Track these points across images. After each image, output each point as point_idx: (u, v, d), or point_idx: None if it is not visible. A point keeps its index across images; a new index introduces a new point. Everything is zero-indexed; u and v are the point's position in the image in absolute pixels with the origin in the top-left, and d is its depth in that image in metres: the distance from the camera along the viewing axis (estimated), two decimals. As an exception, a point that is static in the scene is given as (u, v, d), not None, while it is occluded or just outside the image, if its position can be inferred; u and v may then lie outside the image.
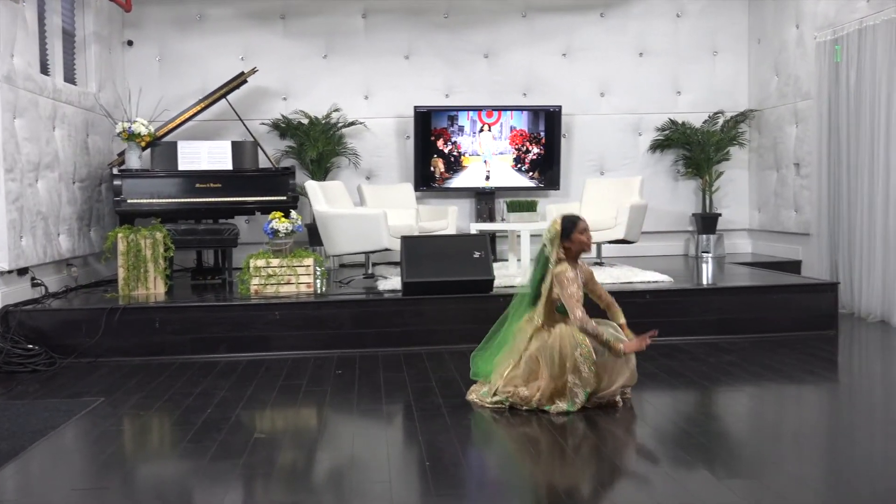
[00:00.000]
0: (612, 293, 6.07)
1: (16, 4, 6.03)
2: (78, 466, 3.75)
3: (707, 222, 8.85)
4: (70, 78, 7.38)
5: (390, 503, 3.15)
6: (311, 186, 7.15)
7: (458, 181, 8.70)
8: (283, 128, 8.59)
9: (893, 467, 3.52)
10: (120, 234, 6.60)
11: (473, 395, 4.54)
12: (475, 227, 7.25)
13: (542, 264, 4.37)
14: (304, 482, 3.49)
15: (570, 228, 4.29)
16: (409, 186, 8.49)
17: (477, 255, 6.12)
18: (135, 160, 7.25)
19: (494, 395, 4.39)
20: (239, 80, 7.88)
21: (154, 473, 3.70)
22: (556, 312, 4.35)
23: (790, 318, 6.22)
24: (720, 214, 8.91)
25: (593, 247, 7.64)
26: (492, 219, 8.59)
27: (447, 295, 6.01)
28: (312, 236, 8.03)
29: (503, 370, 4.40)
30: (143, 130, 7.18)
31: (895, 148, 6.47)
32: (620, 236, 7.34)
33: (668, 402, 4.67)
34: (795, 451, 3.79)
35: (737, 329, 6.14)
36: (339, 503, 3.24)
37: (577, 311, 4.19)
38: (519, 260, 6.97)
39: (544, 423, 4.13)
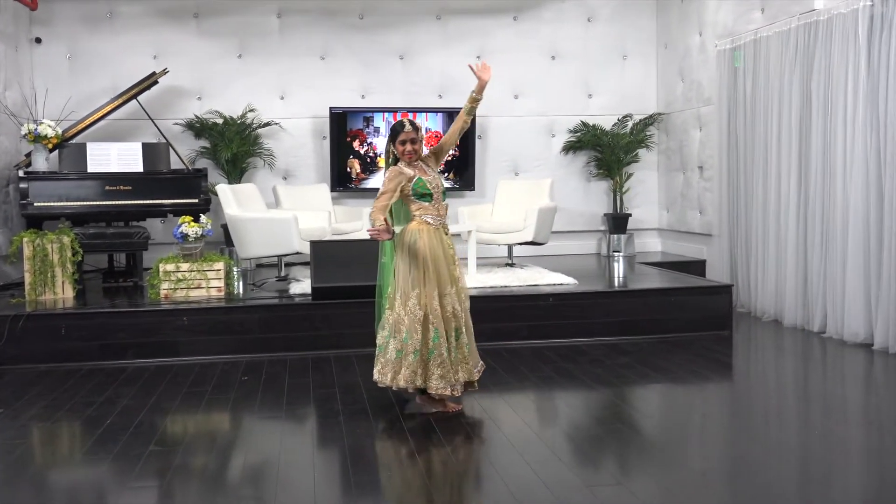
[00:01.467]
0: (517, 296, 6.31)
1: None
2: (-30, 482, 3.76)
3: (618, 222, 9.12)
4: (-28, 78, 7.23)
5: (279, 514, 3.25)
6: (223, 190, 7.16)
7: (374, 181, 8.77)
8: (198, 128, 8.55)
9: (771, 459, 3.75)
10: (26, 239, 6.52)
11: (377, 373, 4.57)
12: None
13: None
14: (197, 488, 3.56)
15: (395, 134, 4.47)
16: (325, 187, 8.55)
17: (384, 259, 6.20)
18: (42, 162, 7.15)
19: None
20: (150, 81, 7.82)
21: (53, 484, 3.73)
22: (420, 201, 4.45)
23: (687, 318, 6.49)
24: (630, 214, 9.19)
25: (503, 247, 7.95)
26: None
27: (355, 299, 6.09)
28: (228, 237, 8.03)
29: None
30: (50, 132, 7.09)
31: (786, 155, 6.78)
32: (529, 238, 7.53)
33: (558, 405, 4.86)
34: (680, 450, 4.01)
35: (637, 330, 6.38)
36: (229, 515, 3.33)
37: (375, 203, 4.37)
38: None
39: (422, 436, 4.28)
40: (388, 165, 4.56)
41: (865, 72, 5.90)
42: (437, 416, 4.48)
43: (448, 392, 4.43)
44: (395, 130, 4.46)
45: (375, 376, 4.54)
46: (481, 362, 4.67)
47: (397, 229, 4.51)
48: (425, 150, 4.62)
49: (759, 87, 7.15)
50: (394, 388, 4.50)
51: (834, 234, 6.23)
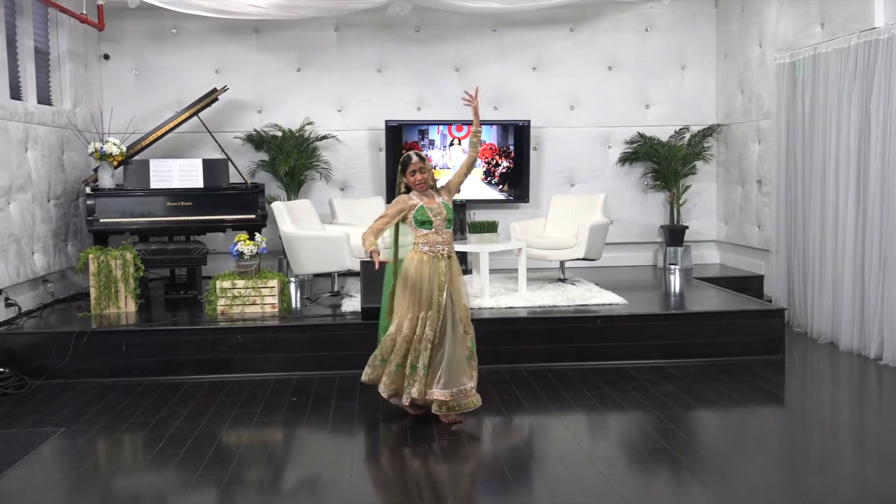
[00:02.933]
0: (565, 318, 6.34)
1: (-16, 35, 6.19)
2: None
3: (674, 234, 9.03)
4: (44, 97, 7.54)
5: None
6: (277, 208, 7.34)
7: (429, 194, 8.85)
8: (258, 141, 8.76)
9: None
10: (91, 255, 6.80)
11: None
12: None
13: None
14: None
15: (404, 167, 4.86)
16: (381, 200, 8.67)
17: (433, 280, 6.29)
18: (107, 179, 7.43)
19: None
20: (210, 98, 8.04)
21: (119, 491, 3.99)
22: (420, 228, 4.84)
23: (739, 342, 6.41)
24: (687, 227, 9.09)
25: (556, 262, 7.95)
26: (462, 231, 8.75)
27: (404, 319, 6.19)
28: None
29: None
30: (115, 150, 7.36)
31: (844, 174, 6.63)
32: (580, 255, 7.52)
33: (596, 437, 4.89)
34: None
35: (686, 354, 6.33)
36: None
37: (372, 224, 4.87)
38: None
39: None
40: (396, 195, 4.95)
41: (926, 94, 5.73)
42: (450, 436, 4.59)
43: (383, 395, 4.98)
44: (404, 163, 4.85)
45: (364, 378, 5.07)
46: (460, 388, 4.86)
47: (401, 254, 4.98)
48: (440, 182, 5.01)
49: (818, 103, 7.00)
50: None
51: (893, 258, 6.08)
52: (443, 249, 4.87)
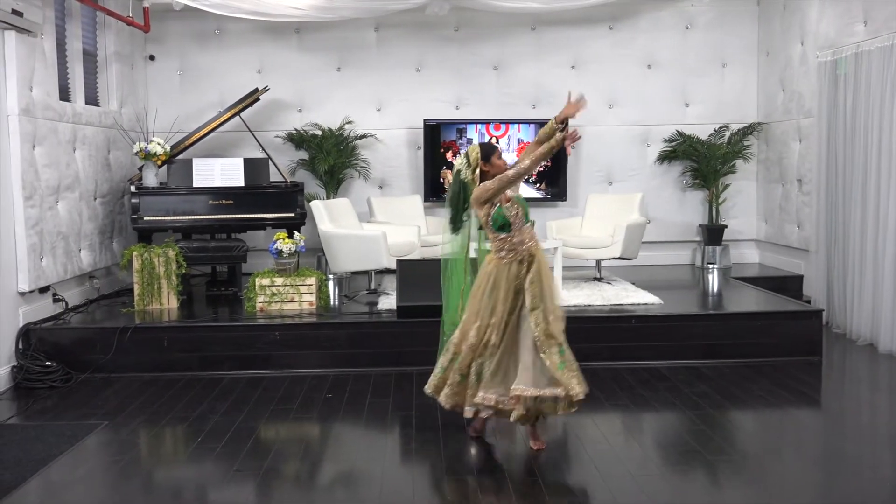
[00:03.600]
0: (600, 317, 6.35)
1: (34, 39, 6.38)
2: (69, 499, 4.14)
3: (713, 233, 8.97)
4: (92, 98, 7.74)
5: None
6: (316, 206, 7.45)
7: (466, 192, 8.91)
8: (298, 140, 8.89)
9: None
10: (135, 252, 6.98)
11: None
12: (474, 247, 7.46)
13: (461, 191, 4.47)
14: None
15: (490, 152, 4.46)
16: (418, 199, 8.75)
17: (469, 279, 6.35)
18: (151, 178, 7.61)
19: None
20: (252, 98, 8.17)
21: (161, 480, 4.20)
22: (498, 232, 4.41)
23: (775, 343, 6.37)
24: (726, 226, 9.02)
25: (592, 261, 7.95)
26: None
27: (439, 318, 6.26)
28: (324, 246, 8.35)
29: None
30: (159, 150, 7.53)
31: (885, 175, 6.54)
32: (617, 255, 7.53)
33: (629, 439, 4.91)
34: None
35: (721, 354, 6.31)
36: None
37: (510, 172, 4.32)
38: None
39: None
40: (465, 185, 4.45)
41: (969, 94, 5.64)
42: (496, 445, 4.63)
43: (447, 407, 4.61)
44: (491, 147, 4.51)
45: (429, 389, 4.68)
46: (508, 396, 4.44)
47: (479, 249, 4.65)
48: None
49: (860, 102, 6.91)
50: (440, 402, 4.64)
51: (932, 261, 6.00)
52: (525, 251, 4.45)
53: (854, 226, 7.00)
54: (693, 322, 6.47)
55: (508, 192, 4.38)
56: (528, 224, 4.51)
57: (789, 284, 8.16)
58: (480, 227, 4.59)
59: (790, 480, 4.12)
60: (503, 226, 4.40)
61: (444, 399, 4.58)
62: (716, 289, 7.90)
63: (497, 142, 8.87)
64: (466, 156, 4.47)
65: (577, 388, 4.40)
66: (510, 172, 4.33)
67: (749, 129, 8.95)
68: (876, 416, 5.34)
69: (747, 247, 9.32)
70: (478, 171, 4.45)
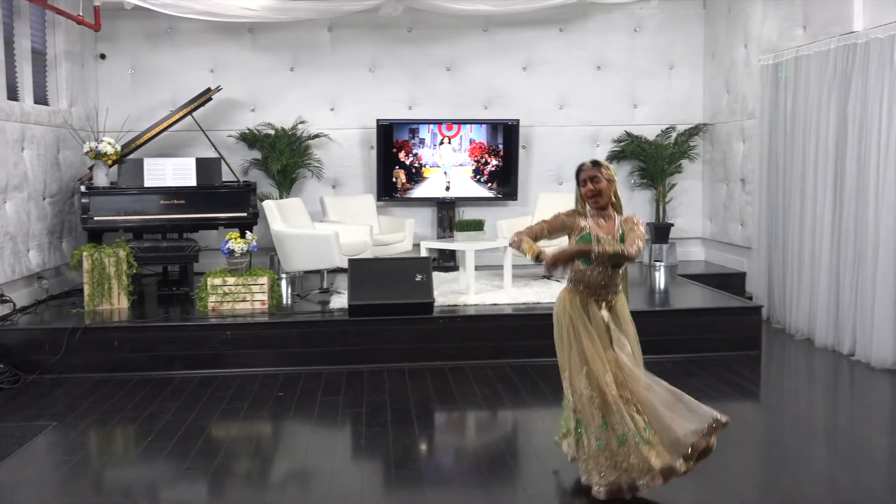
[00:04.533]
0: (548, 314, 6.47)
1: (-20, 38, 6.34)
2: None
3: (660, 232, 9.17)
4: (41, 97, 7.69)
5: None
6: (268, 206, 7.49)
7: (419, 191, 9.02)
8: (251, 139, 8.90)
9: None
10: (85, 253, 6.95)
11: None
12: (426, 246, 7.59)
13: None
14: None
15: (577, 176, 3.91)
16: (371, 198, 8.83)
17: (419, 278, 6.47)
18: (102, 178, 7.58)
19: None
20: (204, 98, 8.18)
21: (111, 480, 4.20)
22: (578, 261, 3.83)
23: (717, 339, 6.56)
24: (672, 224, 9.24)
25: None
26: (451, 227, 8.92)
27: (390, 316, 6.36)
28: (278, 245, 8.39)
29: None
30: (110, 150, 7.50)
31: (822, 176, 6.77)
32: (565, 253, 7.65)
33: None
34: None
35: (666, 350, 6.47)
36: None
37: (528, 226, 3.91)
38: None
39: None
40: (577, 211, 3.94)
41: (899, 99, 5.87)
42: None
43: (600, 496, 3.76)
44: (578, 170, 3.90)
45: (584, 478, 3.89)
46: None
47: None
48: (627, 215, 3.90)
49: (800, 104, 7.13)
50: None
51: (865, 258, 6.23)
52: (603, 294, 3.87)
53: (793, 225, 7.23)
54: (638, 319, 6.54)
55: (604, 230, 3.82)
56: (616, 270, 3.88)
57: (733, 281, 8.39)
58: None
59: (729, 473, 4.28)
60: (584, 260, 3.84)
61: (597, 483, 3.79)
62: (662, 286, 8.10)
63: (449, 142, 8.98)
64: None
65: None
66: (532, 226, 3.96)
67: (695, 130, 9.17)
68: (811, 408, 5.54)
69: (693, 244, 9.55)
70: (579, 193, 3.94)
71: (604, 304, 3.86)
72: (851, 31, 6.49)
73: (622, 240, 3.79)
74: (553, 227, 3.93)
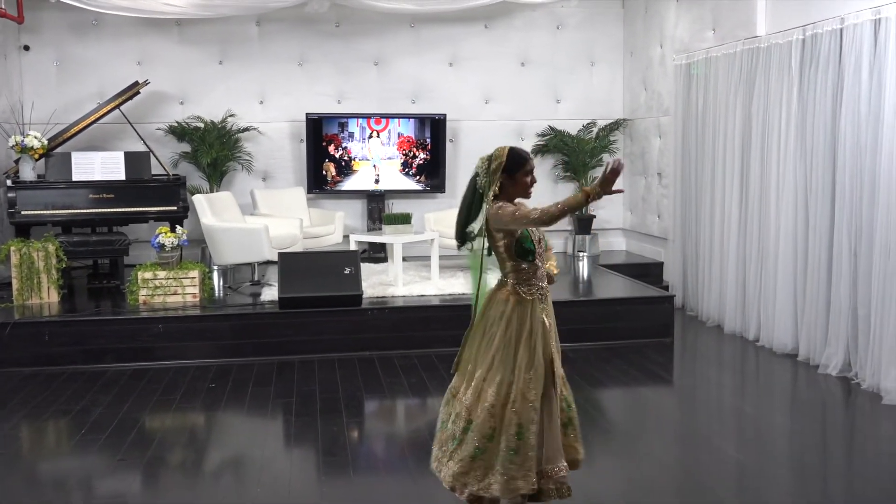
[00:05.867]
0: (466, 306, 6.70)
1: None
2: (-44, 491, 4.25)
3: (583, 224, 9.53)
4: (-36, 90, 7.64)
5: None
6: (198, 200, 7.58)
7: (349, 184, 9.20)
8: (180, 132, 8.95)
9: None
10: (13, 248, 6.96)
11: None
12: (354, 239, 7.79)
13: (473, 201, 3.56)
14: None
15: (519, 164, 3.45)
16: (301, 191, 8.97)
17: (347, 270, 6.67)
18: (28, 172, 7.56)
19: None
20: (132, 91, 8.20)
21: (44, 474, 4.31)
22: (520, 259, 3.48)
23: (632, 326, 6.93)
24: (595, 216, 9.60)
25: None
26: (381, 220, 9.11)
27: (319, 308, 6.55)
28: (208, 238, 8.47)
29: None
30: (36, 144, 7.49)
31: (730, 172, 7.17)
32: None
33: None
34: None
35: (585, 338, 6.81)
36: None
37: (533, 214, 3.29)
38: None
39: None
40: (481, 195, 3.49)
41: (797, 102, 6.28)
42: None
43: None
44: (520, 159, 3.46)
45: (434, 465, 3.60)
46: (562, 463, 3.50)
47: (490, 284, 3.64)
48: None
49: (709, 104, 7.53)
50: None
51: (767, 251, 6.65)
52: (542, 287, 3.51)
53: (704, 217, 7.64)
54: (560, 308, 6.82)
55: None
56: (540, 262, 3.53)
57: (651, 270, 8.80)
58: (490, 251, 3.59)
59: (644, 455, 4.61)
60: (528, 252, 3.47)
61: (449, 478, 3.46)
62: (584, 276, 8.45)
63: (377, 136, 9.17)
64: (489, 159, 3.45)
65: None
66: (533, 214, 3.29)
67: (615, 125, 9.54)
68: (719, 393, 5.93)
69: (615, 235, 9.94)
70: (498, 182, 3.43)
71: (542, 298, 3.51)
72: (755, 36, 6.89)
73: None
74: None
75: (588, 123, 9.55)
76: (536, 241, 3.50)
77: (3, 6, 7.79)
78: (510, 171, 3.44)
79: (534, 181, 3.53)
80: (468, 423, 3.45)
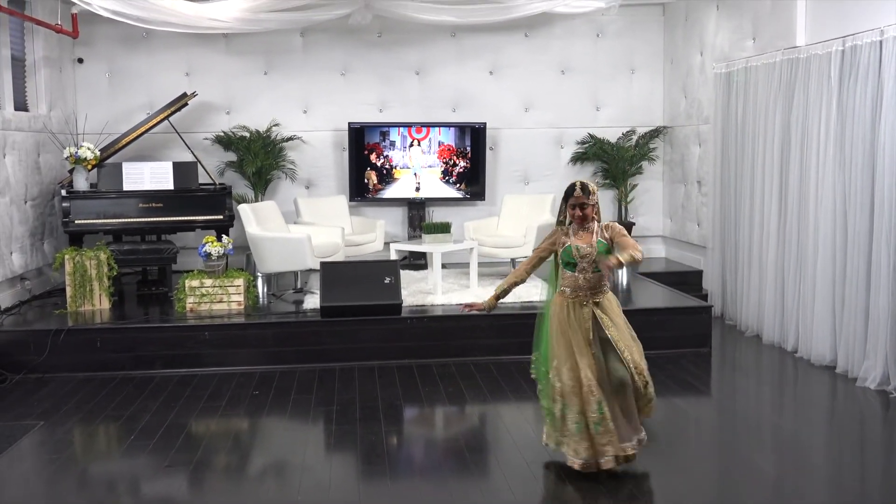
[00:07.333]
0: (512, 314, 6.80)
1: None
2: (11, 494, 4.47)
3: (622, 230, 9.54)
4: (21, 103, 7.92)
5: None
6: (244, 210, 7.79)
7: (390, 192, 9.35)
8: (226, 142, 9.18)
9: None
10: (67, 256, 7.22)
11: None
12: (395, 248, 7.92)
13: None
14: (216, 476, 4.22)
15: (566, 196, 4.35)
16: (343, 199, 9.15)
17: (388, 280, 6.81)
18: (82, 182, 7.84)
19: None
20: (181, 103, 8.44)
21: (96, 475, 4.53)
22: (566, 270, 4.36)
23: (670, 336, 6.95)
24: (634, 223, 9.62)
25: (508, 259, 8.44)
26: (421, 227, 9.23)
27: (360, 317, 6.70)
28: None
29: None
30: (89, 155, 7.76)
31: (769, 181, 7.16)
32: (529, 253, 8.02)
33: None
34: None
35: (621, 346, 6.85)
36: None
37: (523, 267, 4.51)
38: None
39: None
40: (557, 223, 4.49)
41: (836, 113, 6.26)
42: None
43: (575, 466, 4.36)
44: (568, 191, 4.34)
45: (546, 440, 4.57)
46: (638, 437, 4.46)
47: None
48: (605, 224, 4.40)
49: (749, 113, 7.52)
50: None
51: (806, 260, 6.63)
52: (585, 295, 4.35)
53: (743, 225, 7.63)
54: (595, 318, 6.99)
55: (585, 240, 4.31)
56: (597, 272, 4.32)
57: (690, 279, 8.80)
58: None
59: (680, 468, 4.66)
60: (568, 263, 4.36)
61: (572, 457, 4.37)
62: (623, 285, 8.48)
63: (418, 144, 9.31)
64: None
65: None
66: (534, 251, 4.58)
67: (655, 133, 9.56)
68: (756, 407, 5.94)
69: (654, 242, 9.95)
70: (564, 211, 4.42)
71: (591, 304, 4.32)
72: (795, 46, 6.87)
73: (602, 248, 4.28)
74: (545, 251, 4.49)
75: (628, 131, 9.59)
76: (578, 256, 4.29)
77: (59, 21, 8.06)
78: (565, 200, 4.36)
79: (580, 214, 4.29)
80: (564, 405, 4.37)
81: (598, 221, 4.41)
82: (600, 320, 4.33)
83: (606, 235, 4.35)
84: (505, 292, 4.61)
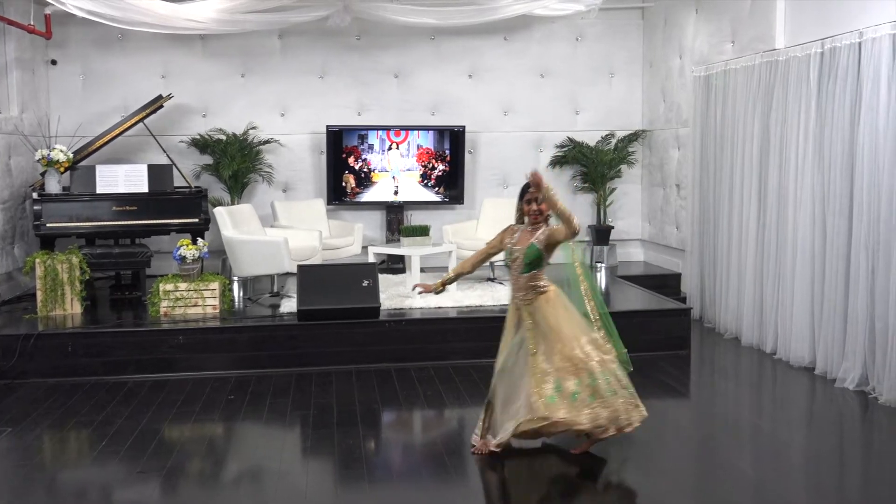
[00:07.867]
0: (491, 317, 6.74)
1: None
2: (-21, 501, 4.35)
3: (601, 234, 9.54)
4: (-9, 104, 7.80)
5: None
6: (219, 212, 7.68)
7: (368, 196, 9.28)
8: (202, 144, 9.07)
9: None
10: (38, 259, 7.09)
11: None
12: (373, 251, 7.85)
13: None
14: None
15: (521, 193, 4.52)
16: (321, 202, 9.06)
17: (365, 283, 6.74)
18: (54, 185, 7.70)
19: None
20: (156, 105, 8.33)
21: (65, 483, 4.38)
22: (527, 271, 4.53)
23: (649, 339, 6.91)
24: (613, 227, 9.61)
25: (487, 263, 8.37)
26: (399, 231, 9.17)
27: (337, 321, 6.62)
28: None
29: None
30: (62, 157, 7.63)
31: (748, 184, 7.17)
32: (508, 257, 7.98)
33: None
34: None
35: (600, 349, 6.81)
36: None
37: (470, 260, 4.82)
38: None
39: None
40: (516, 221, 4.65)
41: (815, 115, 6.26)
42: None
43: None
44: (523, 189, 4.50)
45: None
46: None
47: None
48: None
49: (728, 116, 7.52)
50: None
51: (784, 263, 6.63)
52: (517, 298, 4.63)
53: (721, 228, 7.63)
54: (575, 321, 6.95)
55: (524, 243, 4.55)
56: (526, 273, 4.55)
57: (670, 281, 8.80)
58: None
59: (659, 470, 4.62)
60: (505, 265, 4.73)
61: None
62: (602, 287, 8.45)
63: (397, 147, 9.24)
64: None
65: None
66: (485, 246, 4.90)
67: (634, 137, 9.55)
68: (735, 408, 5.92)
69: (633, 246, 9.94)
70: (519, 209, 4.66)
71: (522, 304, 4.57)
72: (774, 49, 6.88)
73: (532, 251, 4.47)
74: (494, 246, 4.74)
75: (607, 135, 9.58)
76: (512, 259, 4.58)
77: (31, 22, 7.93)
78: (521, 197, 4.55)
79: (536, 209, 4.46)
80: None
81: (548, 224, 4.52)
82: (523, 322, 4.57)
83: (542, 238, 4.46)
84: (451, 280, 4.87)
